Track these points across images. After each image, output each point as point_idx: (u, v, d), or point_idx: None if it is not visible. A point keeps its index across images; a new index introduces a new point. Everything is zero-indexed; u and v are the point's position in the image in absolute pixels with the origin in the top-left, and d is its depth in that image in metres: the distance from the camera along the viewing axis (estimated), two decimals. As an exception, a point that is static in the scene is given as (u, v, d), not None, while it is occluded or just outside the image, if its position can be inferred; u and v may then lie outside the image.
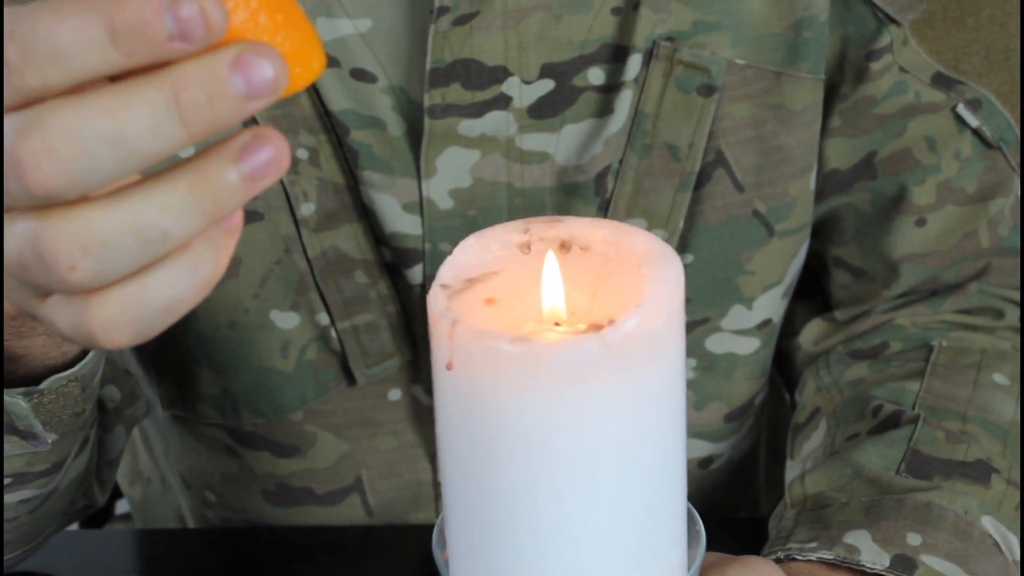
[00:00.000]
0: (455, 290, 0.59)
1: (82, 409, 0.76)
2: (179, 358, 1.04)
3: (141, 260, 0.49)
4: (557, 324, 0.59)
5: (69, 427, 0.77)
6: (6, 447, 0.75)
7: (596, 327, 0.54)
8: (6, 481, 0.78)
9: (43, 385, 0.70)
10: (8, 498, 0.80)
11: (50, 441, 0.76)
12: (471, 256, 0.61)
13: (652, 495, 0.59)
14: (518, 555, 0.59)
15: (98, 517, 1.40)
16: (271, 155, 0.49)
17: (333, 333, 1.00)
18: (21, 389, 0.69)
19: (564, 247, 0.61)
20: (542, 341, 0.54)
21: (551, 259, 0.59)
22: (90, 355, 0.72)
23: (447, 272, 0.60)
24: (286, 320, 0.99)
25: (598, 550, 0.59)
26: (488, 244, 0.61)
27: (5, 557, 0.88)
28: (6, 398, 0.69)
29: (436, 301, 0.57)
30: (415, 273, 0.97)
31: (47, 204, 0.48)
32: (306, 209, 0.95)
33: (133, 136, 0.47)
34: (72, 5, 0.46)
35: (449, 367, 0.56)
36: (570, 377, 0.54)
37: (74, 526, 1.11)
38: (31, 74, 0.47)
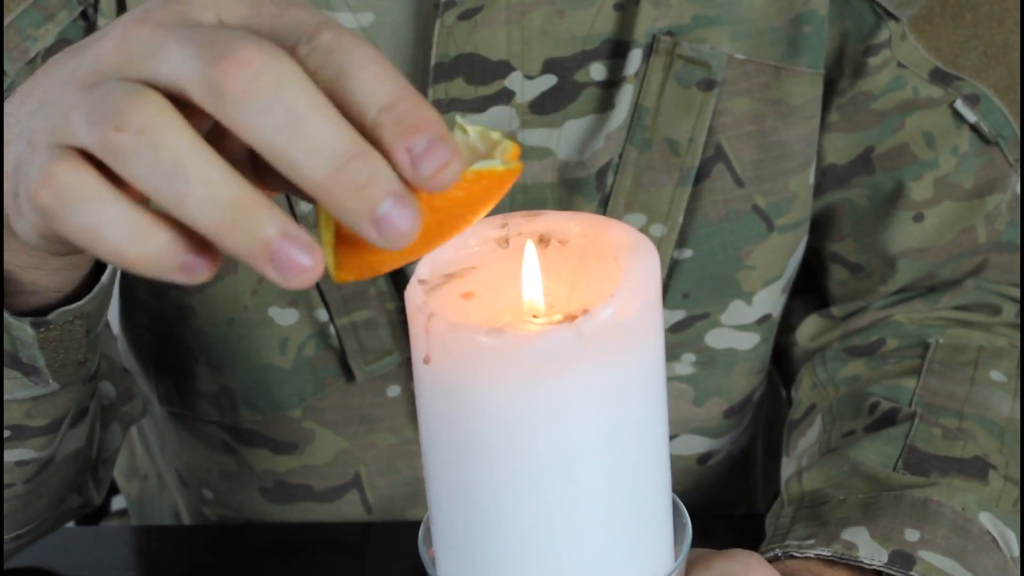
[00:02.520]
0: (433, 285, 0.59)
1: (85, 358, 0.76)
2: (177, 355, 1.04)
3: (145, 177, 0.49)
4: (535, 317, 0.59)
5: (71, 377, 0.77)
6: (7, 385, 0.74)
7: (571, 318, 0.54)
8: (5, 434, 0.78)
9: (50, 316, 0.70)
10: (6, 456, 0.80)
11: (52, 384, 0.75)
12: (449, 252, 0.61)
13: (635, 487, 0.59)
14: (501, 549, 0.59)
15: (94, 513, 1.39)
16: (301, 265, 0.49)
17: (332, 329, 1.00)
18: (29, 318, 0.69)
19: (542, 241, 0.61)
20: (517, 332, 0.54)
21: (531, 250, 0.59)
22: (94, 290, 0.71)
23: (425, 268, 0.60)
24: (284, 317, 0.99)
25: (581, 543, 0.59)
26: (466, 239, 0.61)
27: None
28: (14, 323, 0.69)
29: (413, 296, 0.57)
30: (414, 270, 0.97)
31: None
32: (305, 206, 0.95)
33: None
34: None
35: (426, 361, 0.56)
36: (546, 368, 0.54)
37: (70, 523, 1.11)
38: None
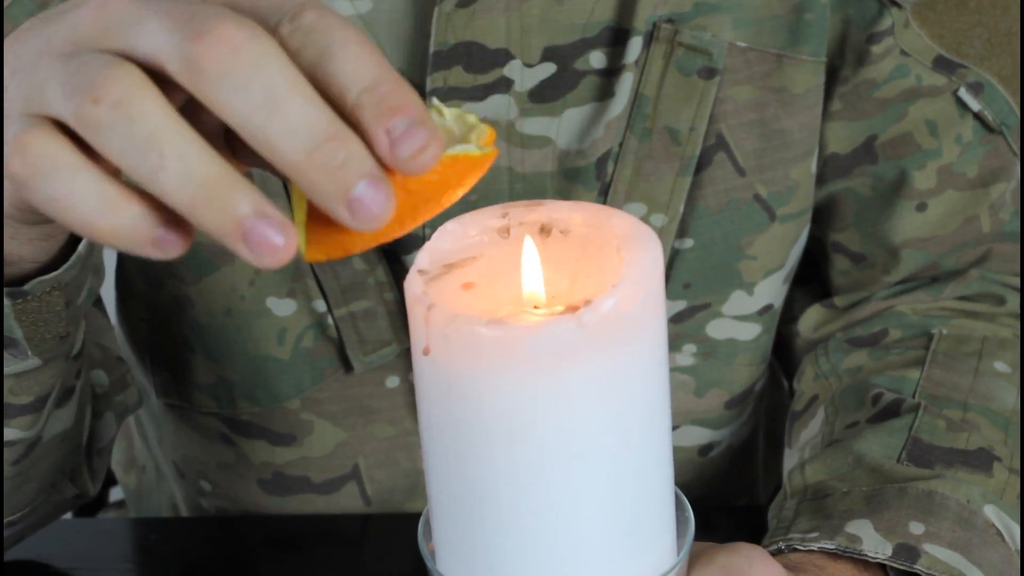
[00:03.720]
0: (432, 275, 0.58)
1: (66, 331, 0.75)
2: (174, 346, 1.03)
3: (120, 150, 0.49)
4: (536, 308, 0.58)
5: (53, 352, 0.76)
6: None
7: (573, 309, 0.53)
8: None
9: (27, 286, 0.69)
10: None
11: (31, 356, 0.74)
12: (450, 242, 0.60)
13: (637, 480, 0.58)
14: (502, 543, 0.58)
15: (92, 504, 1.39)
16: (273, 244, 0.49)
17: (330, 320, 0.99)
18: (6, 289, 0.69)
19: (544, 231, 0.60)
20: (518, 323, 0.53)
21: (529, 243, 0.59)
22: (71, 260, 0.71)
23: (425, 258, 0.59)
24: (282, 307, 0.99)
25: (582, 536, 0.58)
26: (467, 229, 0.61)
27: None
28: None
29: (413, 287, 0.57)
30: (414, 259, 0.96)
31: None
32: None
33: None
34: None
35: (426, 352, 0.55)
36: (547, 360, 0.54)
37: (67, 515, 1.11)
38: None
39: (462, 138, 0.54)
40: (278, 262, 0.48)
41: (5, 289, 0.69)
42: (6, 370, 0.75)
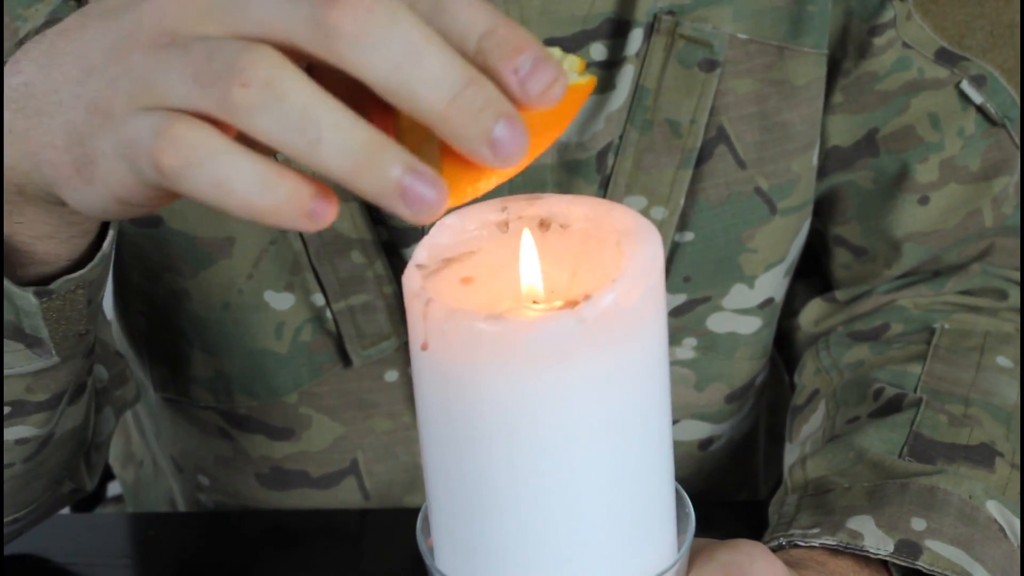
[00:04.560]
0: (431, 270, 0.58)
1: (86, 329, 0.76)
2: (171, 340, 1.03)
3: (275, 129, 0.50)
4: (535, 303, 0.58)
5: (73, 349, 0.76)
6: (7, 359, 0.74)
7: (572, 304, 0.53)
8: (5, 411, 0.77)
9: (53, 285, 0.70)
10: (7, 434, 0.79)
11: (54, 356, 0.75)
12: (448, 236, 0.60)
13: (637, 476, 0.58)
14: (501, 539, 0.58)
15: (90, 499, 1.39)
16: (428, 199, 0.50)
17: (328, 314, 0.99)
18: (32, 288, 0.69)
19: (543, 225, 0.60)
20: (517, 319, 0.53)
21: (527, 237, 0.58)
22: (96, 258, 0.71)
23: (423, 252, 0.59)
24: (280, 301, 0.98)
25: (582, 533, 0.58)
26: (466, 224, 0.60)
27: None
28: (18, 292, 0.69)
29: (411, 281, 0.57)
30: (413, 253, 0.96)
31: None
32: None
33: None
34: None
35: (424, 347, 0.55)
36: (547, 355, 0.53)
37: (65, 510, 1.10)
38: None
39: None
40: (433, 216, 0.50)
41: (33, 288, 0.69)
42: (25, 368, 0.75)
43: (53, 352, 0.74)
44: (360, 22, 0.49)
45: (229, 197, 0.51)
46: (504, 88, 0.51)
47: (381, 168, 0.50)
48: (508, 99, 0.51)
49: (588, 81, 0.56)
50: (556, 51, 0.56)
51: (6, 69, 0.59)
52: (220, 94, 0.50)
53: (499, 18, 0.51)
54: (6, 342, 0.72)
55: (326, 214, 0.51)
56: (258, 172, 0.51)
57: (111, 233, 0.71)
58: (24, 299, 0.69)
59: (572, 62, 0.56)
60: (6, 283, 0.68)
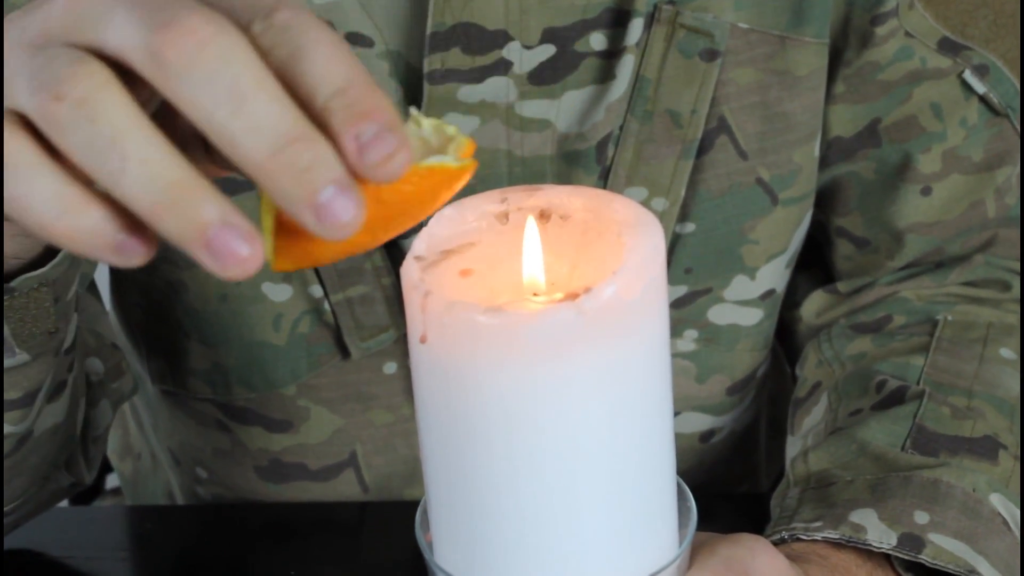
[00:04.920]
0: (429, 262, 0.58)
1: (55, 327, 0.75)
2: (169, 332, 1.03)
3: (81, 150, 0.47)
4: (535, 295, 0.58)
5: (42, 347, 0.75)
6: None
7: (572, 296, 0.53)
8: None
9: (13, 283, 0.68)
10: None
11: (19, 353, 0.74)
12: (447, 227, 0.59)
13: (638, 470, 0.58)
14: (500, 534, 0.58)
15: (88, 491, 1.39)
16: (238, 254, 0.47)
17: (327, 306, 0.98)
18: None
19: (543, 216, 0.59)
20: (516, 311, 0.53)
21: (531, 227, 0.58)
22: (59, 256, 0.70)
23: (422, 244, 0.59)
24: (278, 292, 0.98)
25: (582, 527, 0.57)
26: (465, 215, 0.60)
27: None
28: None
29: (409, 273, 0.56)
30: (411, 244, 0.95)
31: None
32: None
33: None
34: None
35: (423, 340, 0.55)
36: (547, 348, 0.53)
37: (63, 503, 1.10)
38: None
39: (439, 149, 0.52)
40: (243, 273, 0.47)
41: None
42: None
43: (16, 350, 0.73)
44: (188, 54, 0.46)
45: (26, 214, 0.49)
46: (342, 154, 0.47)
47: (185, 212, 0.46)
48: (345, 166, 0.47)
49: (463, 167, 0.52)
50: (451, 128, 0.53)
51: None
52: (39, 103, 0.47)
53: (358, 76, 0.48)
54: None
55: (136, 251, 0.49)
56: (60, 194, 0.48)
57: None
58: None
59: (460, 144, 0.52)
60: None
